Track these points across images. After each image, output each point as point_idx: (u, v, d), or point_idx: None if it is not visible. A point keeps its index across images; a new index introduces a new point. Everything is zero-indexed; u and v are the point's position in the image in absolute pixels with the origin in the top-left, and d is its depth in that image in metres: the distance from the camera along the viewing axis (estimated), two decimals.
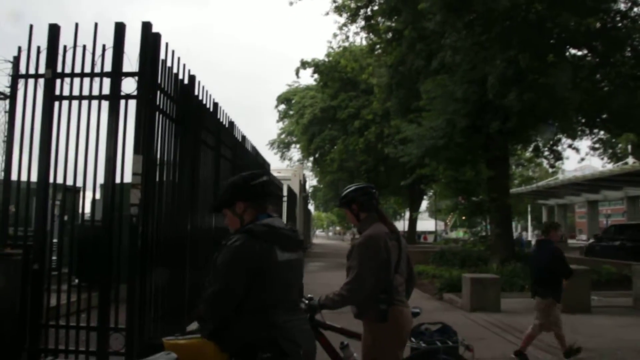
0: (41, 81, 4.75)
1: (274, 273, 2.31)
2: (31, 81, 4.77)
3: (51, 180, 4.69)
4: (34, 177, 4.71)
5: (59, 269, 4.94)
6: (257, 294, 2.29)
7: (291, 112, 39.18)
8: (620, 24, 12.81)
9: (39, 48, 4.75)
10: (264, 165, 12.30)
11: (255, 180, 2.51)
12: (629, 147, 27.07)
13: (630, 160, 32.31)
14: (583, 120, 15.03)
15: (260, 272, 2.28)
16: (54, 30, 4.78)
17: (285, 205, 19.07)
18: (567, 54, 13.94)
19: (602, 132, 16.38)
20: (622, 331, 7.68)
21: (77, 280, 5.57)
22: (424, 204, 58.16)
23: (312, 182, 49.50)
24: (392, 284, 3.17)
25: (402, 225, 54.01)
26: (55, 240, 5.18)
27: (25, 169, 4.73)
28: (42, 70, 4.75)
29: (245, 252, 2.27)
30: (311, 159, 37.71)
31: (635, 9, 12.80)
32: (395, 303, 3.15)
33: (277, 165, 36.74)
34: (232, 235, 2.39)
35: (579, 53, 14.36)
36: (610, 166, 31.28)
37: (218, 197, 2.66)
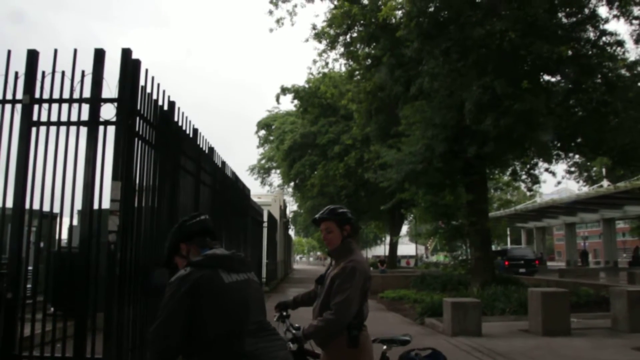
0: (18, 107, 4.71)
1: (225, 296, 2.28)
2: (8, 106, 4.74)
3: (27, 206, 4.61)
4: (9, 203, 4.64)
5: (34, 297, 4.83)
6: (214, 322, 2.24)
7: (271, 138, 39.35)
8: (590, 52, 13.21)
9: (16, 73, 4.73)
10: (244, 191, 12.28)
11: (191, 220, 2.59)
12: (604, 170, 27.64)
13: (605, 183, 32.98)
14: (558, 145, 15.35)
15: (209, 297, 2.25)
16: (32, 56, 4.76)
17: (265, 231, 18.98)
18: (541, 80, 14.29)
19: (577, 156, 16.72)
20: (602, 353, 7.74)
21: (52, 309, 5.44)
22: (405, 228, 58.35)
23: (292, 207, 49.47)
24: (363, 311, 3.22)
25: (383, 249, 54.05)
26: (30, 268, 5.07)
27: (1, 195, 4.66)
28: (19, 95, 4.71)
29: (187, 280, 2.25)
30: (291, 184, 37.77)
31: (604, 38, 13.23)
32: (363, 328, 3.20)
33: (258, 190, 36.61)
34: None
35: (553, 79, 14.74)
36: (586, 189, 31.89)
37: (165, 251, 2.66)
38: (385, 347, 3.54)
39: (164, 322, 2.24)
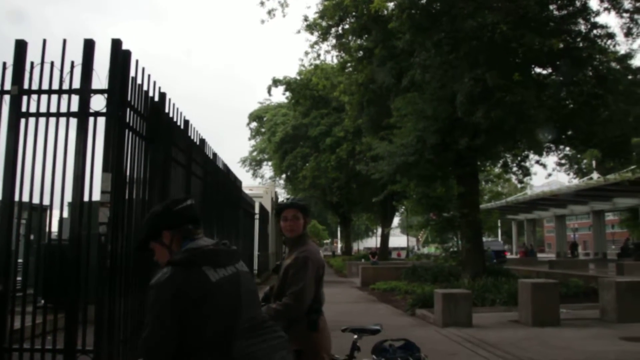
0: (7, 98, 4.66)
1: (213, 298, 2.09)
2: None
3: (17, 198, 4.58)
4: None
5: (24, 289, 4.81)
6: (200, 328, 2.06)
7: (263, 130, 39.26)
8: (581, 45, 13.25)
9: (4, 64, 4.67)
10: (235, 183, 12.25)
11: (178, 205, 2.33)
12: (594, 162, 27.76)
13: (595, 175, 33.20)
14: (549, 137, 15.41)
15: (196, 301, 2.06)
16: (20, 46, 4.71)
17: (257, 222, 18.97)
18: (533, 72, 14.32)
19: (567, 149, 16.79)
20: (591, 343, 7.82)
21: (42, 302, 5.41)
22: (396, 220, 58.57)
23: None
24: (320, 296, 3.38)
25: (374, 241, 54.24)
26: (20, 260, 5.05)
27: None
28: (7, 86, 4.66)
29: (168, 286, 2.05)
30: (283, 176, 37.75)
31: (595, 31, 13.26)
32: (321, 313, 3.36)
33: (249, 182, 36.59)
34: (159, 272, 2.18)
35: (544, 72, 14.78)
36: (576, 181, 32.07)
37: (140, 233, 2.43)
38: (356, 336, 3.62)
39: (154, 333, 2.07)
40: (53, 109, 4.62)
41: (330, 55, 19.54)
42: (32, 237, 5.33)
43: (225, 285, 2.14)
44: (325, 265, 3.54)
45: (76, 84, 4.60)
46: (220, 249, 2.24)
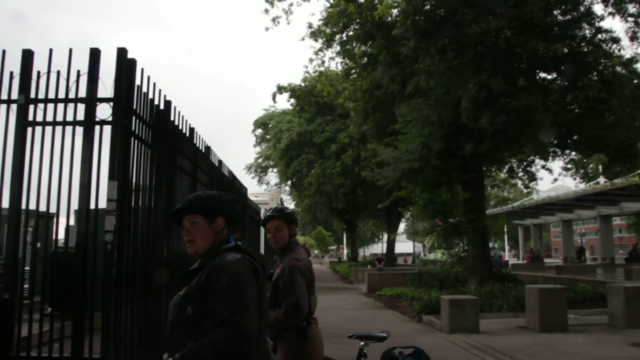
0: (14, 107, 4.69)
1: (263, 295, 2.22)
2: (3, 106, 4.72)
3: (23, 206, 4.60)
4: (5, 204, 4.62)
5: (31, 297, 4.82)
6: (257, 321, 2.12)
7: (268, 137, 39.33)
8: (586, 50, 13.24)
9: (11, 73, 4.71)
10: (240, 190, 12.27)
11: (237, 206, 2.46)
12: (600, 167, 27.66)
13: (602, 179, 33.05)
14: (555, 142, 15.38)
15: (260, 291, 2.17)
16: (27, 56, 4.74)
17: (262, 229, 18.96)
18: (537, 77, 14.31)
19: (573, 153, 16.75)
20: (599, 349, 7.77)
21: (50, 309, 5.43)
22: (402, 226, 58.50)
23: (289, 206, 49.51)
24: (310, 304, 3.39)
25: (380, 247, 54.13)
26: (27, 268, 5.06)
27: None
28: (14, 95, 4.70)
29: (251, 267, 2.15)
30: (289, 183, 37.76)
31: (599, 36, 13.25)
32: (311, 321, 3.36)
33: (255, 189, 36.65)
34: (221, 256, 2.17)
35: (549, 77, 14.77)
36: (582, 186, 31.94)
37: (194, 202, 2.34)
38: (362, 343, 3.62)
39: (249, 311, 2.04)
40: (59, 118, 4.65)
41: (334, 62, 19.75)
42: (38, 244, 5.35)
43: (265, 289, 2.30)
44: (314, 272, 3.61)
45: (82, 93, 4.63)
46: (262, 257, 2.35)
